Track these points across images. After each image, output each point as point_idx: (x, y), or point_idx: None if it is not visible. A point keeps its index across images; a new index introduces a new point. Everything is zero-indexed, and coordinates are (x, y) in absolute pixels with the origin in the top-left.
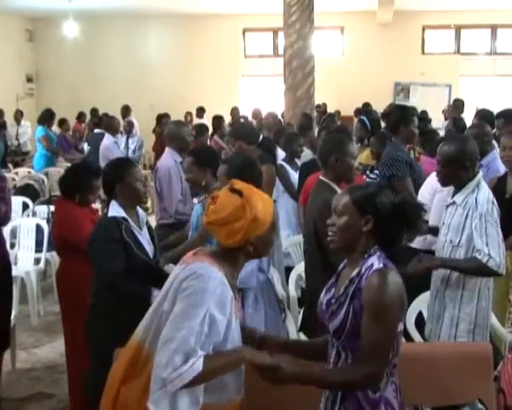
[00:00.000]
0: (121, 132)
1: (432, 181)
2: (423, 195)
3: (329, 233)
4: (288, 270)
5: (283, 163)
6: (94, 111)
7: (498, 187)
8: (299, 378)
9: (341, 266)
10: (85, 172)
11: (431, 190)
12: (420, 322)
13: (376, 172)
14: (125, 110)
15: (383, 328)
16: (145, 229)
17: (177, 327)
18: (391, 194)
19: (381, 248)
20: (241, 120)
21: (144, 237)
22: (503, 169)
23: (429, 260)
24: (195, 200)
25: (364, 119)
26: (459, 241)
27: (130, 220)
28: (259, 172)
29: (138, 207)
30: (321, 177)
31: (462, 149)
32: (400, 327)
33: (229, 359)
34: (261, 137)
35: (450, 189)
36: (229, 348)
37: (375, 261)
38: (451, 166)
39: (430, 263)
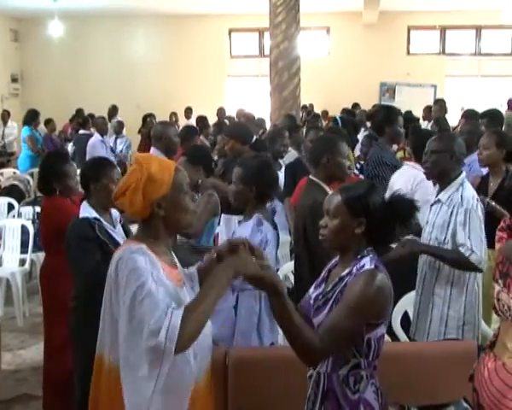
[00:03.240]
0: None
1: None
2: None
3: (321, 234)
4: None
5: None
6: (79, 112)
7: (481, 187)
8: (281, 310)
9: (332, 263)
10: (53, 159)
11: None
12: (403, 322)
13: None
14: (113, 110)
15: (349, 321)
16: (119, 226)
17: (137, 306)
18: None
19: (372, 246)
20: (226, 120)
21: (119, 235)
22: (485, 169)
23: (414, 243)
24: None
25: (337, 118)
26: (445, 238)
27: (102, 220)
28: (275, 174)
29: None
30: (311, 176)
31: (450, 141)
32: (383, 330)
33: (215, 287)
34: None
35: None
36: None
37: (367, 262)
38: (439, 156)
39: (416, 247)
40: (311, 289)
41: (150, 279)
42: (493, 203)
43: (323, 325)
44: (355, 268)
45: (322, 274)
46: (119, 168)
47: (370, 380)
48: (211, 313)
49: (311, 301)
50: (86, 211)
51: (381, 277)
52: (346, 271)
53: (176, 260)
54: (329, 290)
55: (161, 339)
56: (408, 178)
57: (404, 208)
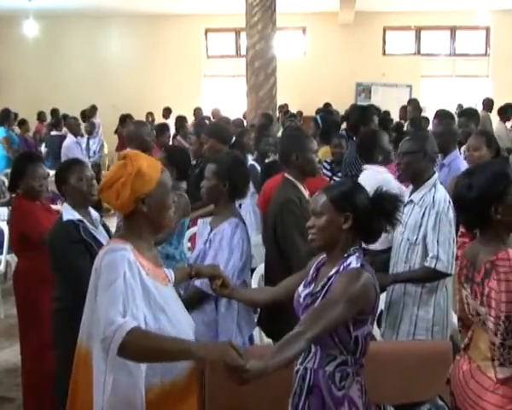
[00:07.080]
0: (81, 134)
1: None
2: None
3: (309, 235)
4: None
5: (255, 163)
6: (54, 112)
7: None
8: (263, 373)
9: (319, 261)
10: (19, 158)
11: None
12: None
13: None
14: (92, 110)
15: (333, 312)
16: (100, 227)
17: (103, 296)
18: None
19: (361, 241)
20: (206, 121)
21: (102, 235)
22: (464, 168)
23: (383, 278)
24: None
25: (317, 117)
26: (416, 239)
27: (85, 221)
28: (248, 171)
29: (90, 208)
30: (285, 175)
31: (422, 141)
32: (370, 328)
33: (173, 346)
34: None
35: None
36: (182, 339)
37: (354, 261)
38: (412, 157)
39: (383, 282)
40: (301, 288)
41: (121, 278)
42: None
43: (308, 312)
44: (342, 267)
45: (311, 273)
46: (89, 167)
47: (356, 378)
48: (162, 359)
49: (301, 300)
50: (69, 213)
51: (366, 275)
52: (334, 270)
53: (159, 258)
54: (319, 290)
55: (110, 334)
56: (371, 184)
57: (389, 203)
